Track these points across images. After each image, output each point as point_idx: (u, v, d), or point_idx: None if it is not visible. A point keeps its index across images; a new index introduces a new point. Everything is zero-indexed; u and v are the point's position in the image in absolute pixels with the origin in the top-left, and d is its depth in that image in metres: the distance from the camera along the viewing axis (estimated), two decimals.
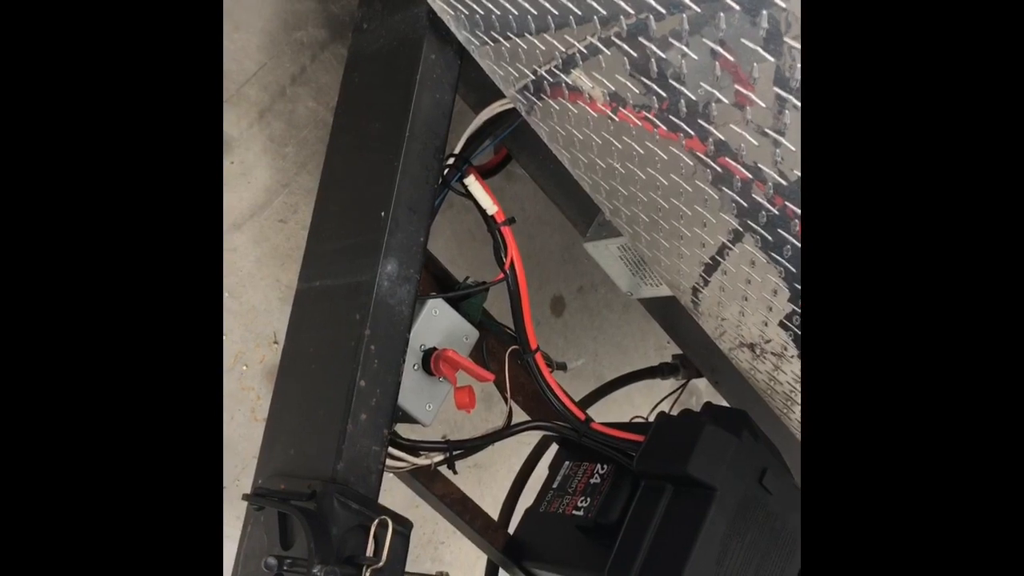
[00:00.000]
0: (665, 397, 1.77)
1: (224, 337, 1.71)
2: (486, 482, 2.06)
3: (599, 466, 1.36)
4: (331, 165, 1.24)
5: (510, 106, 1.26)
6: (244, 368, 1.73)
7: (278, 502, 1.00)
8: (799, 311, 1.01)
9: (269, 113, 1.75)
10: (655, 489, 1.22)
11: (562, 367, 1.36)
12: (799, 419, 1.36)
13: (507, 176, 2.02)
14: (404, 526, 1.04)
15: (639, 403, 1.87)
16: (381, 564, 0.97)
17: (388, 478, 1.28)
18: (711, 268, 1.14)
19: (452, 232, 2.03)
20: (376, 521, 1.00)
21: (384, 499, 1.55)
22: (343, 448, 1.02)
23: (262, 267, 1.76)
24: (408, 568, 1.06)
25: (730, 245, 1.02)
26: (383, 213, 1.09)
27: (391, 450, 1.20)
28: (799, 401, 1.29)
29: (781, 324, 1.08)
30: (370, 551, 1.00)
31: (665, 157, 0.95)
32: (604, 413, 1.83)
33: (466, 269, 1.46)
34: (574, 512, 1.32)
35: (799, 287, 0.96)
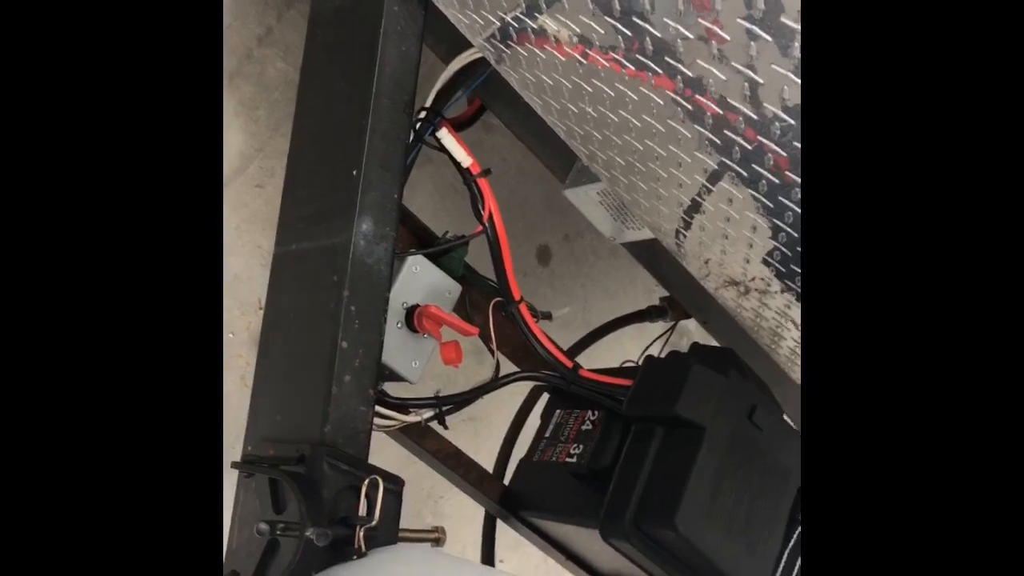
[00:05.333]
0: (655, 340, 1.77)
1: None
2: (483, 434, 2.07)
3: (590, 413, 1.37)
4: (299, 128, 1.22)
5: (479, 56, 1.24)
6: (231, 335, 1.72)
7: (267, 468, 1.00)
8: (780, 246, 1.00)
9: (238, 76, 1.72)
10: (645, 432, 1.22)
11: (547, 316, 1.36)
12: (787, 354, 1.37)
13: (485, 127, 1.99)
14: (395, 484, 1.04)
15: (629, 348, 1.86)
16: (374, 523, 0.98)
17: (381, 437, 1.28)
18: (690, 209, 1.13)
19: (434, 186, 2.01)
20: (367, 481, 1.00)
21: (378, 457, 1.55)
22: (329, 411, 1.01)
23: (242, 234, 1.74)
24: (408, 523, 1.06)
25: (707, 184, 1.01)
26: (355, 172, 1.07)
27: (381, 409, 1.20)
28: (785, 336, 1.29)
29: (763, 261, 1.07)
30: (363, 511, 1.00)
31: (635, 97, 0.93)
32: (595, 359, 1.83)
33: (450, 223, 1.45)
34: (567, 459, 1.33)
35: (777, 222, 0.95)
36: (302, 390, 1.05)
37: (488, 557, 1.42)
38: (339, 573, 0.92)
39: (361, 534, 0.97)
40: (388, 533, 1.01)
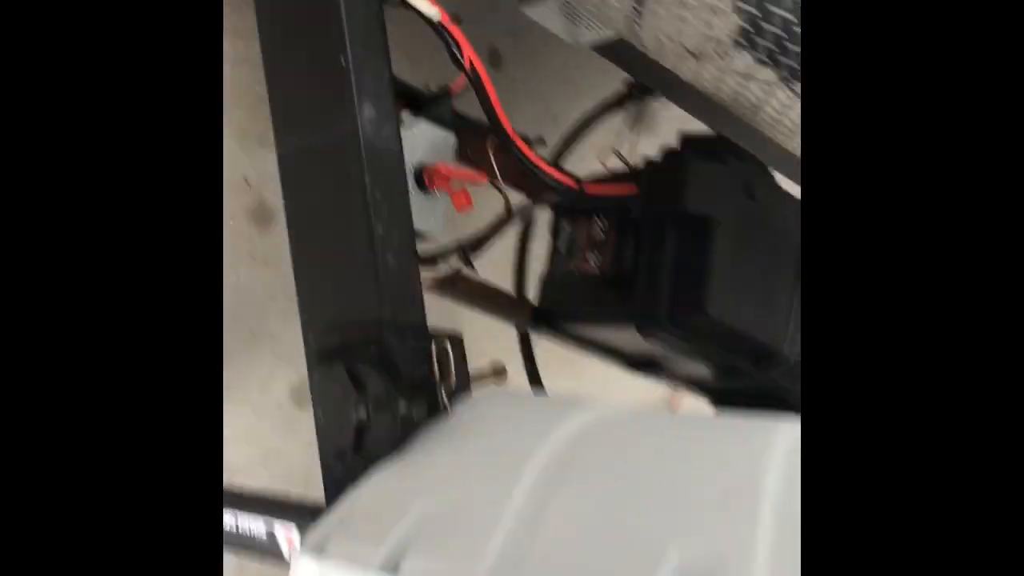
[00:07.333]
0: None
1: None
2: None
3: (597, 220, 1.44)
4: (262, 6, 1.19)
5: None
6: (231, 222, 1.74)
7: (347, 357, 1.08)
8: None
9: None
10: (658, 233, 1.31)
11: (540, 141, 1.40)
12: (769, 119, 1.42)
13: None
14: (457, 340, 1.13)
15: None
16: (455, 385, 1.08)
17: None
18: None
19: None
20: (435, 347, 1.09)
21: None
22: (383, 293, 1.08)
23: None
24: None
25: None
26: (342, 58, 1.07)
27: None
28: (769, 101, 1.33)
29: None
30: (438, 374, 1.10)
31: None
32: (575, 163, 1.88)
33: (429, 67, 1.42)
34: (588, 269, 1.42)
35: None
36: (352, 280, 1.11)
37: (534, 372, 1.54)
38: (439, 431, 1.02)
39: (446, 397, 1.08)
40: (463, 386, 1.12)
